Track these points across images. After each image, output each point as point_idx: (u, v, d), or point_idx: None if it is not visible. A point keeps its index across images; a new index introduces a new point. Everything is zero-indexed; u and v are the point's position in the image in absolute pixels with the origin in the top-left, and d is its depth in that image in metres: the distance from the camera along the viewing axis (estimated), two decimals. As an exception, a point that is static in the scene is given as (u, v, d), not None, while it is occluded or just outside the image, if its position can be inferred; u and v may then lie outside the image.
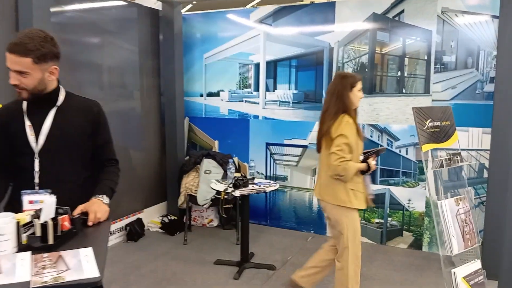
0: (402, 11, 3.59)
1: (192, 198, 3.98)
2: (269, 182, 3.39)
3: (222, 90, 4.59)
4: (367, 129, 3.82)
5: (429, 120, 2.30)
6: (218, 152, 4.50)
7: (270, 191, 3.22)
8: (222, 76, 4.58)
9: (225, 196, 3.06)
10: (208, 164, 4.11)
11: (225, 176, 3.72)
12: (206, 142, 4.73)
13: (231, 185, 3.10)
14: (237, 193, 3.00)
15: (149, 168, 4.41)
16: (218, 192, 3.28)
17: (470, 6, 3.31)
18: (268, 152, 4.36)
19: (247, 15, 4.35)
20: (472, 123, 3.38)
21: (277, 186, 3.34)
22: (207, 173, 4.04)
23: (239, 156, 4.53)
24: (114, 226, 3.91)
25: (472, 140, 3.41)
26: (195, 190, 4.00)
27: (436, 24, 3.44)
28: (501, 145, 2.93)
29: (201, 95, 4.72)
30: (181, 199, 4.06)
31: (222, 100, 4.61)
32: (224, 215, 3.51)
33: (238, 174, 3.32)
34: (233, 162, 3.36)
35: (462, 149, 3.38)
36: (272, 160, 4.38)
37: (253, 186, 3.19)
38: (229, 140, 4.59)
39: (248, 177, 3.39)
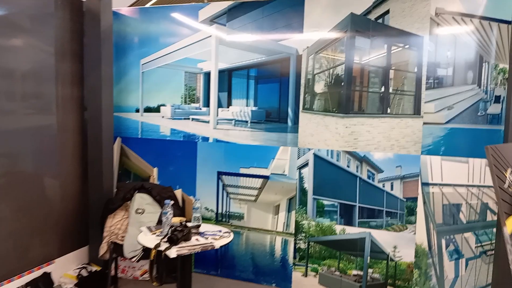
0: (387, 12, 2.98)
1: (117, 247, 3.11)
2: (220, 231, 2.61)
3: (163, 105, 3.80)
4: (343, 157, 3.16)
5: (510, 171, 1.42)
6: (156, 184, 3.67)
7: (221, 246, 2.44)
8: (163, 87, 3.80)
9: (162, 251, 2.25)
10: (141, 200, 3.27)
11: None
12: (143, 170, 3.90)
13: (165, 239, 2.29)
14: (173, 252, 2.19)
15: (65, 202, 3.52)
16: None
17: (471, 7, 2.75)
18: (220, 184, 3.60)
19: (195, 13, 3.61)
20: (472, 152, 2.80)
21: (230, 237, 2.57)
22: (139, 212, 3.20)
23: (184, 187, 3.75)
24: (3, 290, 2.98)
25: (473, 174, 2.83)
26: (122, 236, 3.13)
27: (429, 29, 2.86)
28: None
29: (137, 111, 3.90)
30: (103, 248, 3.17)
31: (163, 117, 3.81)
32: (156, 283, 2.66)
33: (177, 220, 2.51)
34: (171, 203, 2.55)
35: (459, 185, 2.79)
36: (225, 194, 3.61)
37: (197, 240, 2.40)
38: (171, 167, 3.79)
39: (192, 223, 2.59)
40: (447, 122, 2.90)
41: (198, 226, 2.59)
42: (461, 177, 2.87)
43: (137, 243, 2.74)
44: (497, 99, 2.76)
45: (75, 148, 3.68)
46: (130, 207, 3.33)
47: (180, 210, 3.41)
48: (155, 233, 2.54)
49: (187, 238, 2.32)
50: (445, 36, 2.88)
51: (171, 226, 2.36)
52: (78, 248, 3.71)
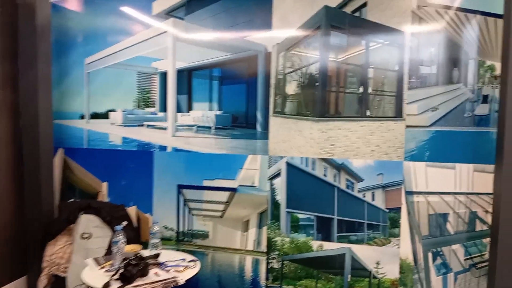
0: (364, 5, 2.75)
1: (60, 281, 2.64)
2: (183, 260, 2.23)
3: (113, 110, 3.37)
4: (319, 165, 2.88)
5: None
6: (105, 202, 3.22)
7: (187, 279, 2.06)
8: (112, 90, 3.37)
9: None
10: (87, 222, 2.83)
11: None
12: (90, 185, 3.44)
13: (117, 275, 1.88)
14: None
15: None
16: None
17: (456, 0, 2.54)
18: (181, 198, 3.22)
19: (148, 5, 3.22)
20: (459, 157, 2.61)
21: (196, 268, 2.20)
22: (85, 237, 2.75)
23: (139, 204, 3.34)
24: None
25: (460, 181, 2.63)
26: (65, 267, 2.67)
27: (411, 23, 2.63)
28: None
29: (82, 117, 3.45)
30: (43, 282, 2.69)
31: (113, 124, 3.36)
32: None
33: (131, 249, 2.10)
34: (123, 228, 2.14)
35: (446, 193, 2.58)
36: (186, 210, 3.23)
37: (156, 274, 2.01)
38: (123, 181, 3.36)
39: (149, 250, 2.19)
40: (431, 125, 2.69)
41: (157, 255, 2.20)
42: (447, 185, 2.67)
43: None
44: (485, 99, 2.58)
45: (8, 161, 3.18)
46: (75, 231, 2.87)
47: (134, 231, 2.99)
48: (104, 267, 2.11)
49: (144, 273, 1.93)
50: (428, 31, 2.67)
51: (124, 259, 1.95)
52: (15, 279, 3.20)
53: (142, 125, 3.37)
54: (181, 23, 3.21)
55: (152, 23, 3.26)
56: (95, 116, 3.49)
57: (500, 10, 2.54)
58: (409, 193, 2.75)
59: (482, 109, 2.63)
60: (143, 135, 3.36)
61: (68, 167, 3.57)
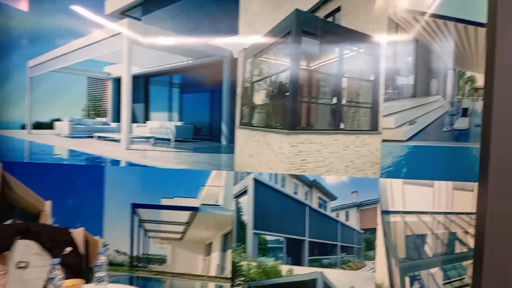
0: (338, 9, 2.55)
1: (-14, 319, 2.26)
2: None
3: (59, 120, 3.02)
4: (289, 182, 2.65)
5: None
6: (47, 225, 2.85)
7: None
8: (59, 96, 3.03)
9: None
10: (25, 249, 2.46)
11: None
12: (31, 204, 3.06)
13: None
14: None
15: None
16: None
17: (436, 7, 2.40)
18: (136, 219, 2.89)
19: (100, 3, 2.90)
20: (438, 174, 2.46)
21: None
22: (21, 267, 2.38)
23: (88, 225, 2.99)
24: None
25: (439, 200, 2.46)
26: (-6, 303, 2.28)
27: (387, 31, 2.46)
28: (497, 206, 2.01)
29: (23, 127, 3.06)
30: (-34, 321, 2.29)
31: (58, 135, 3.00)
32: None
33: (71, 284, 1.77)
34: (60, 261, 1.80)
35: (424, 212, 2.41)
36: (141, 232, 2.91)
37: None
38: (70, 199, 3.01)
39: (94, 285, 1.87)
40: (409, 139, 2.52)
41: (103, 290, 1.88)
42: (425, 203, 2.51)
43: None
44: (465, 112, 2.44)
45: None
46: (9, 259, 2.48)
47: (80, 258, 2.63)
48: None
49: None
50: (405, 38, 2.52)
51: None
52: None
53: (92, 137, 3.03)
54: (138, 24, 2.91)
55: (105, 23, 2.95)
56: (38, 126, 3.12)
57: (481, 18, 2.41)
58: (385, 212, 2.57)
59: (461, 123, 2.48)
60: (93, 147, 3.02)
61: (6, 183, 3.17)
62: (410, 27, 2.60)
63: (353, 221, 2.66)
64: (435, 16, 2.58)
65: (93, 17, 3.00)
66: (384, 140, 2.58)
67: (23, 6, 3.10)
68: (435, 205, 2.56)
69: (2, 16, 3.11)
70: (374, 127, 2.61)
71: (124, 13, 2.97)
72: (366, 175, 2.62)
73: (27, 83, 3.13)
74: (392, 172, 2.59)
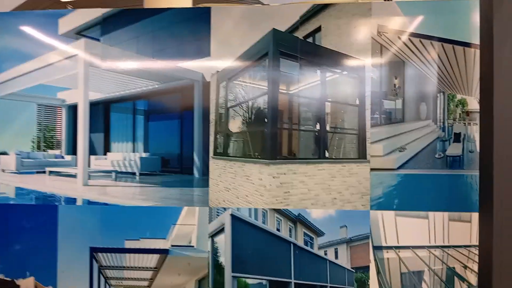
0: (319, 29, 2.35)
1: None
2: None
3: (5, 153, 2.61)
4: (271, 217, 2.39)
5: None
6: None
7: None
8: (4, 127, 2.62)
9: None
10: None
11: None
12: (-31, 252, 2.59)
13: None
14: None
15: None
16: None
17: (421, 27, 2.26)
18: (95, 265, 2.51)
19: (54, 22, 2.58)
20: (432, 204, 2.27)
21: None
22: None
23: (38, 274, 2.61)
24: None
25: (434, 232, 2.26)
26: None
27: (371, 52, 2.28)
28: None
29: (-39, 162, 2.65)
30: None
31: (3, 171, 2.60)
32: None
33: None
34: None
35: (419, 247, 2.21)
36: (102, 280, 2.52)
37: None
38: (17, 245, 2.59)
39: None
40: (399, 167, 2.34)
41: None
42: (420, 237, 2.31)
43: None
44: (457, 137, 2.28)
45: None
46: None
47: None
48: None
49: None
50: (391, 60, 2.35)
51: None
52: None
53: (43, 172, 2.64)
54: (96, 45, 2.59)
55: (58, 44, 2.60)
56: (-22, 160, 2.70)
57: (468, 39, 2.28)
58: (377, 248, 2.34)
59: (454, 149, 2.31)
60: (44, 184, 2.63)
61: None
62: (395, 47, 2.44)
63: (343, 259, 2.42)
64: (420, 36, 2.44)
65: (44, 37, 2.65)
66: (373, 169, 2.38)
67: (-38, 25, 2.71)
68: (431, 238, 2.36)
69: None
70: (361, 155, 2.40)
71: (81, 33, 2.65)
72: (355, 208, 2.39)
73: (-35, 111, 2.71)
74: (383, 204, 2.38)
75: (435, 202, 2.36)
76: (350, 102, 2.47)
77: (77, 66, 2.64)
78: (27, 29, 2.68)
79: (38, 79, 2.70)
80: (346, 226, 2.42)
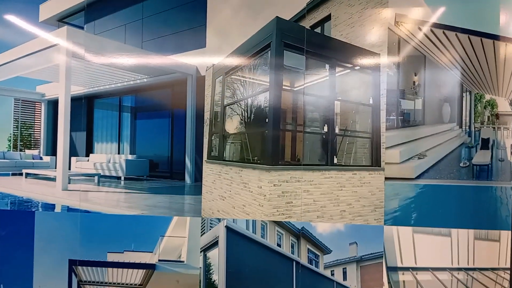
0: (328, 18, 2.04)
1: None
2: None
3: (-22, 152, 2.34)
4: (271, 230, 2.17)
5: None
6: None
7: None
8: (-23, 123, 2.36)
9: None
10: None
11: None
12: None
13: None
14: None
15: None
16: None
17: (445, 17, 1.93)
18: (74, 280, 2.23)
19: (34, 8, 2.28)
20: (455, 220, 1.98)
21: None
22: None
23: (11, 288, 2.31)
24: None
25: (458, 252, 1.96)
26: None
27: (388, 44, 1.96)
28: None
29: None
30: None
31: (-24, 172, 2.33)
32: None
33: None
34: None
35: (440, 269, 1.90)
36: (82, 296, 2.26)
37: None
38: (-11, 255, 2.31)
39: None
40: (418, 177, 2.04)
41: None
42: (442, 257, 2.00)
43: None
44: (485, 144, 1.98)
45: None
46: None
47: None
48: None
49: None
50: (410, 54, 2.02)
51: None
52: None
53: (20, 174, 2.35)
54: (79, 33, 2.30)
55: (39, 32, 2.31)
56: (-51, 160, 2.43)
57: (498, 30, 1.96)
58: (392, 269, 2.05)
59: (482, 157, 2.01)
60: (20, 188, 2.34)
61: None
62: (415, 40, 2.12)
63: (353, 280, 2.13)
64: (444, 27, 2.11)
65: (24, 24, 2.36)
66: (388, 178, 2.08)
67: None
68: (454, 259, 2.05)
69: None
70: (375, 162, 2.11)
71: (63, 20, 2.35)
72: (367, 222, 2.10)
73: None
74: (399, 218, 2.08)
75: (459, 217, 2.06)
76: (362, 102, 2.18)
77: (58, 57, 2.35)
78: (5, 16, 2.39)
79: (15, 70, 2.42)
80: (357, 243, 2.12)
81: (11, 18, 2.42)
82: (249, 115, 2.26)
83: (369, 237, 2.14)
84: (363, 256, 2.14)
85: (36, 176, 2.41)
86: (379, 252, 2.12)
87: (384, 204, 2.12)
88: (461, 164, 2.09)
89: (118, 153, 2.35)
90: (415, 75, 2.16)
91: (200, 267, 2.26)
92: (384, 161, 2.13)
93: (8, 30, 2.45)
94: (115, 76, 2.34)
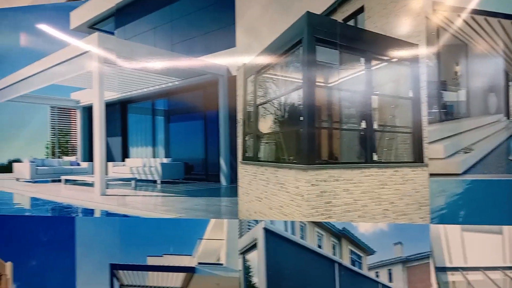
0: (361, 10, 1.92)
1: None
2: None
3: (18, 160, 2.34)
4: (310, 232, 2.03)
5: None
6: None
7: None
8: (16, 132, 2.37)
9: None
10: None
11: None
12: (-14, 267, 2.39)
13: None
14: None
15: None
16: None
17: (485, 2, 1.78)
18: (116, 283, 2.22)
19: (64, 16, 2.27)
20: (507, 217, 1.83)
21: None
22: None
23: (56, 293, 2.32)
24: None
25: (510, 250, 1.79)
26: None
27: (426, 35, 1.83)
28: None
29: (-26, 171, 2.42)
30: None
31: (18, 179, 2.32)
32: None
33: None
34: None
35: (491, 268, 1.76)
36: (124, 300, 2.26)
37: None
38: (34, 260, 2.34)
39: None
40: (465, 172, 1.90)
41: None
42: (493, 256, 1.87)
43: None
44: (538, 135, 1.80)
45: None
46: None
47: None
48: None
49: None
50: (451, 43, 1.89)
51: None
52: None
53: (58, 181, 2.36)
54: (110, 39, 2.27)
55: (70, 40, 2.30)
56: (-7, 169, 2.47)
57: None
58: (440, 269, 1.94)
59: (534, 149, 1.85)
60: (60, 194, 2.35)
61: (-44, 241, 2.50)
62: (455, 28, 1.98)
63: (399, 282, 2.01)
64: (485, 13, 1.96)
65: (56, 33, 2.36)
66: (432, 174, 1.95)
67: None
68: (506, 257, 1.91)
69: None
70: (418, 158, 1.99)
71: (93, 26, 2.33)
72: (412, 221, 1.99)
73: (-22, 117, 2.48)
74: (446, 216, 1.97)
75: (510, 214, 1.91)
76: (401, 95, 2.06)
77: (90, 64, 2.34)
78: (37, 25, 2.40)
79: (50, 79, 2.43)
80: (401, 243, 2.02)
81: (43, 27, 2.43)
82: (282, 114, 2.18)
83: (414, 237, 2.03)
84: (409, 256, 2.04)
85: (74, 182, 2.42)
86: (426, 252, 2.01)
87: (429, 202, 2.00)
88: (510, 157, 1.95)
89: (153, 157, 2.32)
90: (457, 65, 2.02)
91: (240, 270, 2.21)
92: (428, 157, 2.01)
93: (41, 39, 2.46)
94: (147, 80, 2.31)
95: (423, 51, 2.03)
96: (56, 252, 2.45)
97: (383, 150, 2.08)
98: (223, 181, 2.23)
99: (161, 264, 2.31)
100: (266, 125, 2.22)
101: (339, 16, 2.14)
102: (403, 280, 2.05)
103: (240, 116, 2.23)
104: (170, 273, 2.29)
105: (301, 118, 2.13)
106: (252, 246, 2.21)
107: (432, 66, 2.03)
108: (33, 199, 2.47)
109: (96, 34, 2.38)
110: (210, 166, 2.26)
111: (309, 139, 2.13)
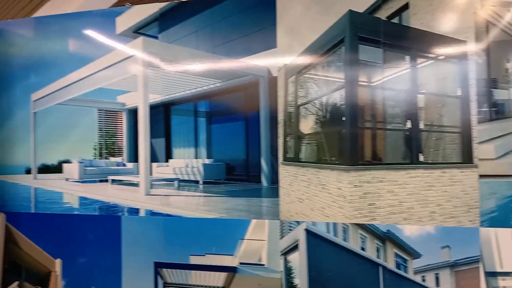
0: (406, 7, 1.87)
1: None
2: None
3: (68, 161, 2.45)
4: (353, 234, 1.98)
5: None
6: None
7: None
8: (66, 134, 2.49)
9: None
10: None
11: None
12: (39, 263, 2.59)
13: None
14: None
15: None
16: None
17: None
18: (160, 282, 2.27)
19: (110, 21, 2.34)
20: None
21: None
22: None
23: (103, 289, 2.40)
24: None
25: None
26: None
27: (475, 30, 1.75)
28: None
29: (28, 171, 2.52)
30: None
31: (68, 180, 2.42)
32: None
33: None
34: None
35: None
36: (168, 298, 2.30)
37: None
38: (82, 257, 2.45)
39: None
40: (518, 174, 1.79)
41: None
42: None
43: None
44: None
45: None
46: None
47: None
48: None
49: None
50: (501, 39, 1.80)
51: None
52: None
53: (105, 181, 2.44)
54: (154, 43, 2.33)
55: (116, 44, 2.38)
56: (44, 169, 2.61)
57: None
58: (491, 274, 1.86)
59: None
60: (107, 194, 2.43)
61: (12, 238, 2.67)
62: (505, 23, 1.90)
63: (446, 286, 1.94)
64: (541, 5, 1.87)
65: (103, 38, 2.44)
66: (482, 176, 1.86)
67: (23, 30, 2.59)
68: None
69: (2, 43, 2.61)
70: (467, 159, 1.92)
71: (138, 31, 2.40)
72: (460, 224, 1.91)
73: (31, 119, 2.60)
74: (497, 219, 1.88)
75: None
76: (449, 93, 1.99)
77: (135, 67, 2.41)
78: (85, 31, 2.49)
79: (97, 82, 2.52)
80: (449, 247, 1.94)
81: (90, 32, 2.52)
82: (324, 114, 2.16)
83: (463, 240, 1.95)
84: (457, 260, 1.96)
85: (120, 182, 2.49)
86: (475, 256, 1.93)
87: (479, 204, 1.92)
88: None
89: (196, 158, 2.36)
90: (508, 62, 1.93)
91: (281, 271, 2.20)
92: (477, 157, 1.93)
93: (88, 45, 2.55)
94: (190, 83, 2.35)
95: (472, 47, 1.95)
96: (103, 250, 2.53)
97: (429, 150, 2.02)
98: (264, 182, 2.23)
99: (204, 263, 2.34)
100: (307, 125, 2.21)
101: (382, 14, 2.09)
102: (451, 285, 1.98)
103: (281, 117, 2.22)
104: (212, 272, 2.31)
105: (343, 118, 2.10)
106: (294, 247, 2.19)
107: (481, 63, 1.95)
108: (82, 199, 2.57)
109: (140, 39, 2.44)
110: (251, 167, 2.27)
111: (352, 140, 2.09)
